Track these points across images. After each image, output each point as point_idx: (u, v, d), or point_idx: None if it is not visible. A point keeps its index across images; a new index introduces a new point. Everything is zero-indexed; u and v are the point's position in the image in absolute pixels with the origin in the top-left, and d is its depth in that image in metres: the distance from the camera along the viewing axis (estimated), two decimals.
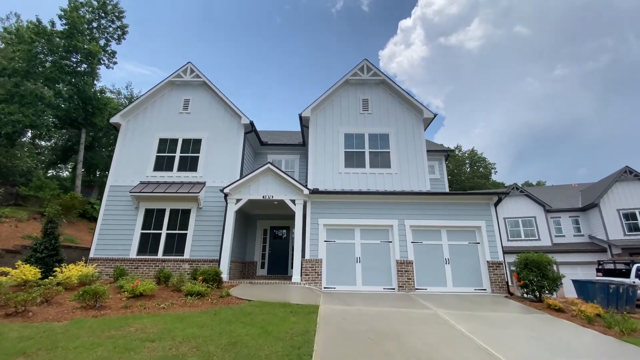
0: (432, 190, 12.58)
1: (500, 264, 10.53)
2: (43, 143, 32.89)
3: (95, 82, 28.99)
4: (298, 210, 10.98)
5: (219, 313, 6.66)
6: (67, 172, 35.29)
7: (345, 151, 11.89)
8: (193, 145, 13.06)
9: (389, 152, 11.83)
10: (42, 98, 23.84)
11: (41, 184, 21.68)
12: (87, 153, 28.62)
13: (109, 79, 72.57)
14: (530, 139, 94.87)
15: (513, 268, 10.19)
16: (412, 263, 10.51)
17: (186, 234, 11.84)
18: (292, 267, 12.37)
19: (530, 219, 23.91)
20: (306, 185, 11.25)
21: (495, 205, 11.19)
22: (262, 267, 14.00)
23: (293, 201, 11.10)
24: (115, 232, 11.92)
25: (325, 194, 11.07)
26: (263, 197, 11.15)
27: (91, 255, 11.74)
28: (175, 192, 11.80)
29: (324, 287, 10.34)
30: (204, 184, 12.36)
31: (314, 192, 10.93)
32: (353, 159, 11.81)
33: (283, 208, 11.32)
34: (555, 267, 9.42)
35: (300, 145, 14.96)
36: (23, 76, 23.74)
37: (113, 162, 12.99)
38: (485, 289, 10.40)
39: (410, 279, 10.36)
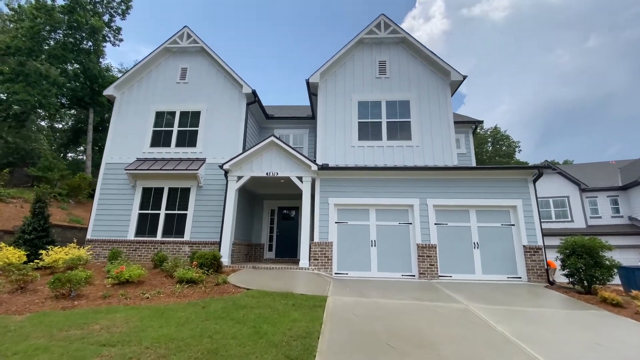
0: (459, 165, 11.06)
1: (539, 249, 9.09)
2: (57, 125, 32.84)
3: (100, 60, 28.20)
4: (306, 189, 9.79)
5: (208, 305, 5.67)
6: (79, 154, 35.34)
7: (359, 121, 10.47)
8: (192, 118, 11.94)
9: (409, 121, 10.32)
10: (47, 77, 23.26)
11: (49, 165, 21.37)
12: (97, 134, 28.24)
13: (118, 59, 72.09)
14: (558, 115, 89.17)
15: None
16: (435, 247, 9.23)
17: (186, 214, 10.93)
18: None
19: (562, 199, 21.92)
20: (315, 160, 10.00)
21: (534, 181, 9.62)
22: (270, 249, 13.07)
23: (300, 178, 9.90)
24: (112, 213, 11.16)
25: (336, 170, 9.79)
26: (267, 174, 10.00)
27: (88, 236, 11.08)
28: (173, 170, 10.82)
29: (335, 273, 9.26)
30: (203, 160, 11.31)
31: (324, 168, 9.67)
32: (368, 131, 10.39)
33: (291, 187, 10.17)
34: (608, 253, 7.92)
35: (309, 119, 13.60)
36: (27, 54, 23.11)
37: (108, 138, 12.09)
38: (520, 277, 9.05)
39: (433, 265, 9.12)
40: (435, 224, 9.50)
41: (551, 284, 8.86)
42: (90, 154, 26.08)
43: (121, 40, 29.71)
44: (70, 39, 25.55)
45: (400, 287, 7.82)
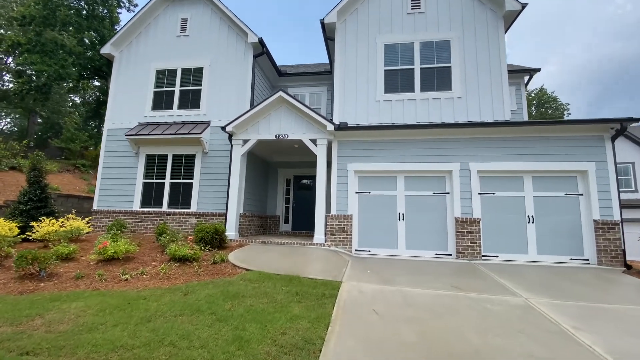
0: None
1: (615, 225, 7.16)
2: (79, 99, 33.15)
3: (115, 27, 27.31)
4: (320, 153, 8.31)
5: (192, 292, 4.57)
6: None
7: (385, 70, 8.57)
8: (194, 76, 10.60)
9: (449, 67, 8.28)
10: (63, 46, 22.80)
11: (71, 136, 21.39)
12: None
13: None
14: (615, 74, 78.61)
15: None
16: (479, 222, 7.56)
17: (192, 183, 9.94)
18: None
19: (626, 165, 18.86)
20: (331, 119, 8.39)
21: (613, 139, 7.47)
22: (286, 222, 11.98)
23: (314, 141, 8.41)
24: (117, 183, 10.41)
25: (356, 130, 8.16)
26: (275, 136, 8.59)
27: (94, 207, 10.50)
28: (174, 134, 9.70)
29: (355, 251, 7.95)
30: (208, 123, 10.07)
31: (342, 128, 8.07)
32: (397, 81, 8.50)
33: (308, 153, 8.75)
34: None
35: (327, 74, 11.79)
36: (42, 23, 22.59)
37: (108, 102, 11.15)
38: (587, 259, 7.26)
39: (475, 242, 7.51)
40: (479, 193, 7.75)
41: (628, 268, 7.01)
42: None
43: (135, 5, 28.45)
44: (84, 4, 24.67)
45: (434, 270, 6.36)
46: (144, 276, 5.30)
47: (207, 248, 6.89)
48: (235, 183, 8.69)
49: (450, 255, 7.68)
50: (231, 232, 8.40)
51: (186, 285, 4.86)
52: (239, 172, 8.72)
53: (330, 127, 7.98)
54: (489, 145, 7.80)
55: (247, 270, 5.72)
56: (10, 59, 26.28)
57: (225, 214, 8.68)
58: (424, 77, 8.39)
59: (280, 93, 8.36)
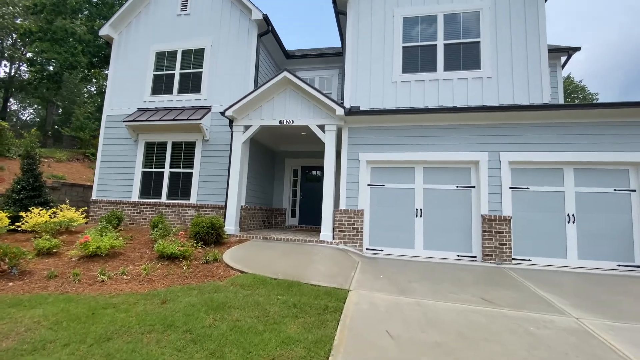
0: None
1: None
2: (92, 89, 33.19)
3: None
4: (329, 141, 7.47)
5: (172, 300, 3.88)
6: None
7: (404, 46, 7.57)
8: (195, 58, 9.86)
9: (478, 42, 7.20)
10: (73, 34, 22.55)
11: (81, 125, 21.25)
12: None
13: None
14: None
15: None
16: (509, 220, 6.59)
17: (192, 173, 9.29)
18: None
19: None
20: (341, 103, 7.50)
21: None
22: (293, 215, 11.26)
23: (322, 127, 7.56)
24: (116, 172, 9.90)
25: (370, 114, 7.25)
26: (280, 122, 7.78)
27: (93, 197, 10.04)
28: (173, 120, 9.04)
29: (366, 249, 7.14)
30: (208, 108, 9.36)
31: (353, 112, 7.18)
32: (417, 59, 7.49)
33: (317, 142, 7.95)
34: None
35: (338, 55, 10.83)
36: (52, 11, 22.36)
37: (107, 87, 10.59)
38: (638, 266, 6.20)
39: (505, 244, 6.56)
40: (510, 187, 6.76)
41: None
42: None
43: None
44: None
45: (457, 276, 5.48)
46: (124, 277, 4.66)
47: (199, 245, 6.20)
48: (235, 173, 7.97)
49: (475, 257, 6.76)
50: (231, 226, 7.73)
51: (167, 291, 4.18)
52: (240, 161, 7.99)
53: (340, 111, 7.11)
54: (524, 133, 6.76)
55: (241, 272, 5.00)
56: (25, 49, 26.33)
57: (225, 207, 8.01)
58: (448, 55, 7.35)
59: (285, 73, 7.52)
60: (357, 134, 7.50)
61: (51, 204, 8.45)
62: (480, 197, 6.77)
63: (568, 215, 6.58)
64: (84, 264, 5.21)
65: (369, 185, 7.38)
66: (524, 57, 7.09)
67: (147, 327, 3.20)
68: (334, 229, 7.30)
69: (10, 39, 29.16)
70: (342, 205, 7.27)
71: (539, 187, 6.75)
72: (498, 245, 6.60)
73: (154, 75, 10.11)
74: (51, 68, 23.17)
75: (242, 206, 8.43)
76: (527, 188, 6.78)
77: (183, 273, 4.89)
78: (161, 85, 10.05)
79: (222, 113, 7.93)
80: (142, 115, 9.57)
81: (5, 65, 29.21)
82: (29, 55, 23.49)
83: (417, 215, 7.08)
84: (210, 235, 6.62)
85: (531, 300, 4.41)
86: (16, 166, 14.10)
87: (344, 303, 3.90)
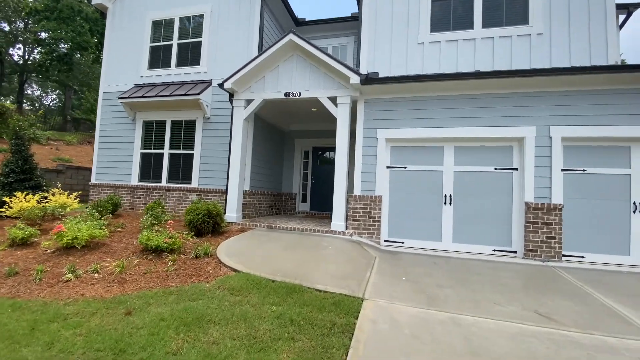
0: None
1: None
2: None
3: None
4: (342, 115, 6.41)
5: (139, 311, 3.09)
6: None
7: (432, 1, 6.28)
8: (193, 26, 8.87)
9: None
10: (80, 12, 21.92)
11: (91, 107, 20.92)
12: None
13: None
14: None
15: None
16: (560, 209, 5.43)
17: (192, 155, 8.51)
18: None
19: None
20: (357, 70, 6.36)
21: None
22: (304, 200, 10.38)
23: (333, 100, 6.49)
24: (114, 153, 9.25)
25: (391, 82, 6.09)
26: (285, 95, 6.76)
27: (92, 180, 9.48)
28: (169, 96, 8.18)
29: (384, 242, 6.18)
30: (209, 82, 8.43)
31: (371, 80, 6.05)
32: (449, 14, 6.19)
33: (330, 119, 6.95)
34: None
35: (354, 20, 9.53)
36: None
37: (103, 61, 9.80)
38: None
39: (554, 237, 5.43)
40: (562, 170, 5.56)
41: None
42: None
43: None
44: None
45: (499, 278, 4.45)
46: (95, 275, 3.93)
47: (190, 236, 5.42)
48: (237, 154, 7.09)
49: (515, 253, 5.68)
50: (232, 213, 6.93)
51: (138, 296, 3.40)
52: (241, 140, 7.09)
53: (354, 79, 6.00)
54: (582, 102, 5.47)
55: (234, 271, 4.18)
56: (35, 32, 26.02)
57: (226, 192, 7.20)
58: (487, 7, 6.01)
59: (291, 36, 6.42)
60: (375, 106, 6.39)
61: (44, 187, 7.91)
62: (524, 181, 5.61)
63: (634, 203, 5.35)
64: (57, 257, 4.53)
65: (388, 167, 6.34)
66: (585, 8, 5.67)
67: (92, 353, 2.41)
68: (347, 217, 6.36)
69: (22, 22, 28.92)
70: (357, 191, 6.29)
71: (597, 169, 5.51)
72: (545, 239, 5.49)
73: (151, 47, 9.22)
74: (63, 48, 22.73)
75: (245, 191, 7.61)
76: (584, 170, 5.55)
77: (165, 271, 4.11)
78: (159, 58, 9.16)
79: (221, 85, 6.98)
80: (139, 91, 8.77)
81: (18, 48, 29.15)
82: (40, 35, 23.10)
83: (445, 203, 6.02)
84: (206, 224, 5.83)
85: (600, 315, 3.37)
86: None
87: (357, 319, 3.00)
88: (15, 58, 28.86)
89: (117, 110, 9.26)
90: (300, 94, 6.65)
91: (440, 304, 3.44)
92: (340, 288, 3.69)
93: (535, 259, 5.48)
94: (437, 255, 5.58)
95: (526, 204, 5.56)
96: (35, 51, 29.67)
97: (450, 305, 3.44)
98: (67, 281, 3.74)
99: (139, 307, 3.14)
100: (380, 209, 6.14)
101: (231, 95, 7.19)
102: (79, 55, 25.56)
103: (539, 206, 5.50)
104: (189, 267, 4.29)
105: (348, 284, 3.81)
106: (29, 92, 35.50)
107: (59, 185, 7.95)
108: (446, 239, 5.98)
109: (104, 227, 5.40)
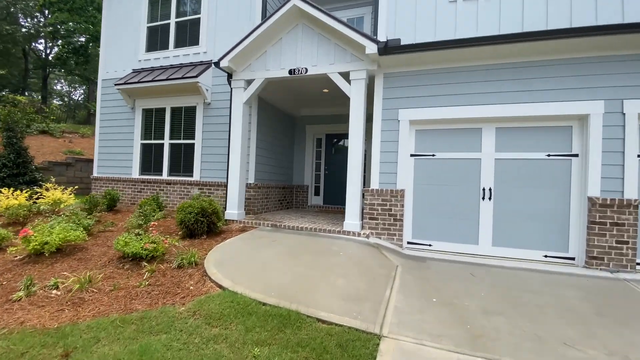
0: None
1: None
2: None
3: None
4: (356, 93, 5.38)
5: (81, 351, 2.33)
6: None
7: None
8: (191, 2, 8.01)
9: None
10: (92, 1, 21.64)
11: None
12: None
13: None
14: None
15: None
16: (636, 206, 4.24)
17: (193, 145, 7.78)
18: None
19: None
20: (375, 38, 5.26)
21: None
22: (317, 193, 9.49)
23: (346, 76, 5.46)
24: (115, 145, 8.69)
25: (416, 50, 4.97)
26: (290, 72, 5.79)
27: (93, 174, 8.99)
28: (166, 80, 7.43)
29: (408, 244, 5.21)
30: (208, 63, 7.58)
31: (391, 48, 4.96)
32: None
33: (344, 103, 5.98)
34: None
35: None
36: None
37: (101, 46, 9.17)
38: None
39: (626, 242, 4.27)
40: (638, 155, 4.33)
41: None
42: None
43: None
44: None
45: (562, 298, 3.39)
46: (52, 293, 3.24)
47: (180, 237, 4.68)
48: (237, 143, 6.26)
49: (573, 260, 4.56)
50: (232, 209, 6.16)
51: (89, 326, 2.65)
52: (242, 127, 6.24)
53: (371, 48, 4.94)
54: None
55: (220, 287, 3.37)
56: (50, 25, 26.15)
57: (226, 186, 6.42)
58: None
59: (295, 1, 5.40)
60: (397, 82, 5.32)
61: (40, 182, 7.46)
62: (587, 170, 4.42)
63: None
64: (22, 266, 3.91)
65: (412, 155, 5.30)
66: None
67: None
68: (362, 215, 5.42)
69: (42, 17, 29.21)
70: (375, 184, 5.30)
71: None
72: (614, 244, 4.32)
73: (148, 28, 8.46)
74: (82, 39, 22.63)
75: (249, 184, 6.81)
76: None
77: (137, 287, 3.37)
78: (156, 39, 8.40)
79: (217, 64, 6.11)
80: (136, 76, 8.07)
81: (40, 42, 29.57)
82: (57, 27, 23.10)
83: (483, 198, 4.93)
84: (200, 224, 5.07)
85: None
86: (36, 142, 13.74)
87: None
88: (39, 53, 29.31)
89: (116, 98, 8.64)
90: (306, 70, 5.66)
91: (489, 346, 2.47)
92: (350, 317, 2.79)
93: (600, 269, 4.34)
94: (474, 263, 4.55)
95: (590, 199, 4.39)
96: (55, 46, 30.07)
97: (504, 346, 2.46)
98: (16, 301, 3.07)
99: (82, 346, 2.38)
100: (402, 205, 5.14)
101: (230, 76, 6.32)
102: (92, 46, 25.57)
103: (608, 202, 4.32)
104: (167, 280, 3.53)
105: (361, 311, 2.90)
106: (57, 87, 36.38)
107: (53, 179, 7.48)
108: (484, 242, 4.92)
109: (91, 226, 4.75)
